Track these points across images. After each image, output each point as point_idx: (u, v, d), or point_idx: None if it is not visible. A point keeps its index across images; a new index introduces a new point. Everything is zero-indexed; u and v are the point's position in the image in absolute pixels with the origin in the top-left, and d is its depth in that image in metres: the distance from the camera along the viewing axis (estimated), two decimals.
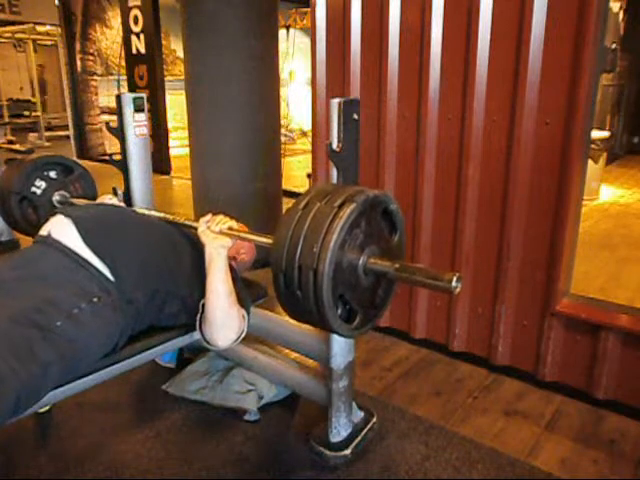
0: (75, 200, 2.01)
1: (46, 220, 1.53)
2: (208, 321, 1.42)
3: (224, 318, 1.41)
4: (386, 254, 1.25)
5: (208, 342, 1.45)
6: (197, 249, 1.53)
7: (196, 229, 1.51)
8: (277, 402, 1.91)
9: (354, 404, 1.75)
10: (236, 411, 1.83)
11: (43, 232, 1.48)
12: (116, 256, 1.41)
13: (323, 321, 1.16)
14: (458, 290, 1.09)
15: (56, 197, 2.02)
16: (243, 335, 1.46)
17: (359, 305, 1.24)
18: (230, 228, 1.47)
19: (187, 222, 1.62)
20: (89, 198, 2.03)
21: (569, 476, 1.60)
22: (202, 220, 1.50)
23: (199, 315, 1.44)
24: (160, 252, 1.52)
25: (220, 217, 1.50)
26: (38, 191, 1.99)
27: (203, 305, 1.43)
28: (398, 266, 1.18)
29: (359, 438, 1.71)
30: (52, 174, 2.02)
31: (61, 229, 1.45)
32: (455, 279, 1.07)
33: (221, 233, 1.46)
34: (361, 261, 1.19)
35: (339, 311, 1.19)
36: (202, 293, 1.44)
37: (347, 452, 1.66)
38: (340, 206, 1.12)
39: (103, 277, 1.37)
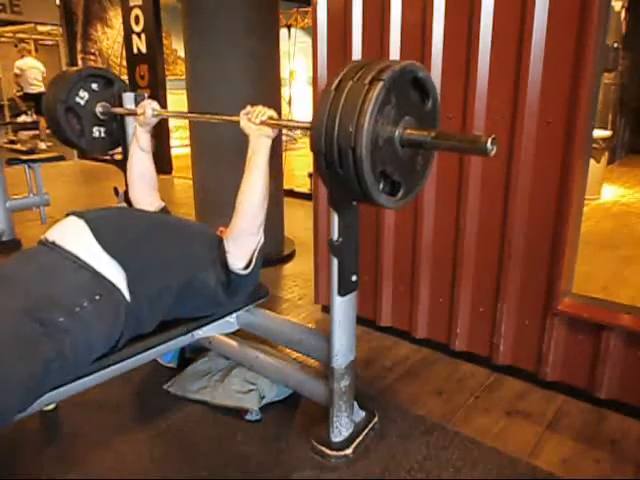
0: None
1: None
2: (236, 216, 1.50)
3: (256, 210, 1.49)
4: (421, 122, 1.28)
5: (230, 253, 1.53)
6: (202, 233, 1.67)
7: (238, 123, 1.51)
8: (278, 402, 1.91)
9: (355, 404, 1.75)
10: (237, 411, 1.83)
11: (52, 231, 1.48)
12: (129, 255, 1.42)
13: (368, 198, 1.22)
14: (494, 152, 1.12)
15: (98, 108, 2.05)
16: (261, 242, 1.56)
17: (401, 177, 1.28)
18: (270, 117, 1.48)
19: (228, 117, 1.60)
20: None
21: (570, 476, 1.60)
22: (242, 113, 1.51)
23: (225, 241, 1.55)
24: (168, 245, 1.55)
25: (259, 108, 1.50)
26: (82, 101, 2.01)
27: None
28: (434, 134, 1.21)
29: (360, 438, 1.71)
30: (94, 86, 2.04)
31: (72, 228, 1.46)
32: (490, 141, 1.10)
33: (262, 124, 1.47)
34: (397, 134, 1.22)
35: (381, 185, 1.25)
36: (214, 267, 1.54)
37: (348, 452, 1.66)
38: (371, 82, 1.14)
39: (109, 274, 1.37)
